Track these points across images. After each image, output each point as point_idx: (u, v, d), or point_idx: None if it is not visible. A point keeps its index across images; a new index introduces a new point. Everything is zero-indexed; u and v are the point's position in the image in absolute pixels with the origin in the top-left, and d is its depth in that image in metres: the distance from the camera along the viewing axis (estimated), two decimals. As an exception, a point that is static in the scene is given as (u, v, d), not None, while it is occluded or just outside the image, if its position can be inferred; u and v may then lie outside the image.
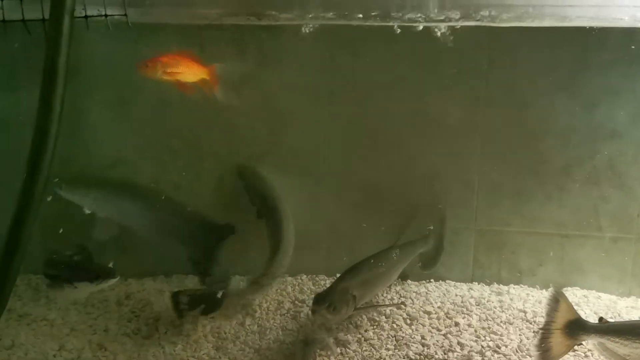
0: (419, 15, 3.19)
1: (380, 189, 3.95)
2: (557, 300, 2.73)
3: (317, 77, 3.79)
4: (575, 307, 3.22)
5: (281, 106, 3.85)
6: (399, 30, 3.16)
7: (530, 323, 3.46)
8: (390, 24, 3.24)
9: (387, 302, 3.73)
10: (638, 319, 3.54)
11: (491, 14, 3.25)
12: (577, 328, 2.72)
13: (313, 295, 3.21)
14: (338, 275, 4.02)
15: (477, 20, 3.25)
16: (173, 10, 3.37)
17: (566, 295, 2.77)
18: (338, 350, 3.18)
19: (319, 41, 3.47)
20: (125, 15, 2.26)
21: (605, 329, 2.73)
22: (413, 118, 3.82)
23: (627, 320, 3.49)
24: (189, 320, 3.42)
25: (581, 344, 3.06)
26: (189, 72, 3.27)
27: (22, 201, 1.98)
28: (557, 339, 2.72)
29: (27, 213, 1.99)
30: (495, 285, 3.98)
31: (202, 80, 3.31)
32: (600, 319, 2.80)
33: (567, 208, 3.85)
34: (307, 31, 3.15)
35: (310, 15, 2.91)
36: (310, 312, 3.10)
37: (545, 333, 2.73)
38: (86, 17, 2.18)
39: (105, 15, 2.23)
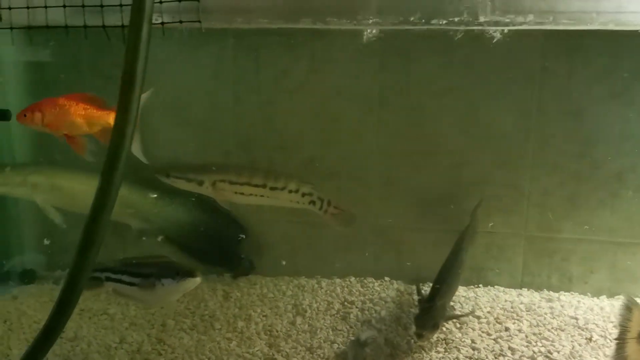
0: (471, 19, 3.21)
1: (429, 194, 3.99)
2: (630, 309, 2.67)
3: (369, 82, 3.86)
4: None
5: (333, 111, 3.93)
6: (458, 36, 3.19)
7: (582, 330, 3.43)
8: (440, 28, 3.28)
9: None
10: None
11: (545, 18, 3.26)
12: None
13: (415, 318, 3.24)
14: (386, 278, 4.13)
15: (532, 24, 3.25)
16: (229, 15, 3.47)
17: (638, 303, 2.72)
18: (388, 351, 3.22)
19: (370, 47, 3.54)
20: (199, 21, 2.36)
21: None
22: (464, 124, 3.85)
23: None
24: (242, 318, 3.53)
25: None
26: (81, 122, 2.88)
27: (98, 199, 2.09)
28: (633, 348, 2.68)
29: (103, 210, 2.10)
30: (545, 291, 3.96)
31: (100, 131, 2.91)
32: None
33: (619, 215, 3.81)
34: (365, 37, 3.21)
35: (367, 21, 2.96)
36: (415, 335, 3.18)
37: (620, 343, 2.68)
38: (162, 23, 2.29)
39: (180, 22, 2.33)
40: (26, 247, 4.21)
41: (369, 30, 3.14)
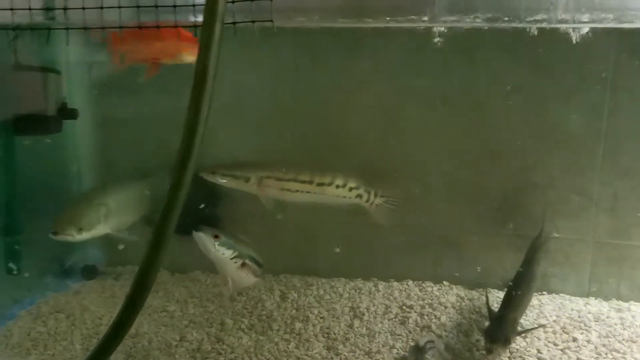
0: (543, 17, 3.09)
1: (492, 197, 3.87)
2: None
3: (431, 81, 3.78)
4: None
5: (394, 110, 3.86)
6: (534, 33, 3.08)
7: (656, 342, 3.27)
8: (509, 25, 3.17)
9: None
10: None
11: (617, 15, 3.11)
12: None
13: (485, 331, 3.07)
14: (445, 283, 4.03)
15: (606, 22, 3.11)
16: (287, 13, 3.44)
17: None
18: (449, 357, 3.14)
19: (431, 45, 3.46)
20: (272, 21, 2.34)
21: None
22: (531, 125, 3.72)
23: None
24: (299, 319, 3.51)
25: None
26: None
27: (170, 196, 2.09)
28: None
29: (174, 208, 2.10)
30: (615, 301, 3.79)
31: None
32: None
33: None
34: (435, 36, 3.14)
35: (436, 19, 2.89)
36: (486, 351, 3.02)
37: None
38: (234, 23, 2.28)
39: (254, 22, 2.31)
40: (88, 244, 4.30)
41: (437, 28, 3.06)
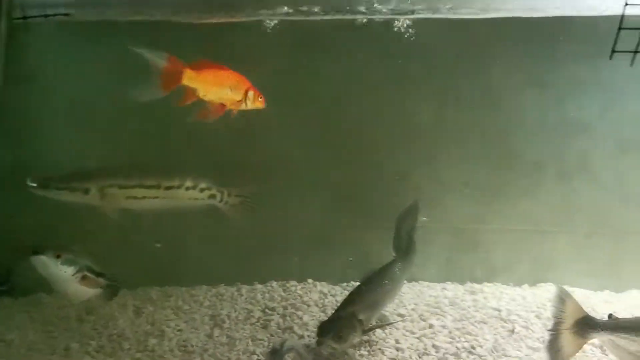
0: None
1: (352, 191, 3.85)
2: (563, 300, 2.64)
3: (285, 77, 3.69)
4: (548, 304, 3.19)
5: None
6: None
7: (505, 322, 3.39)
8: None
9: None
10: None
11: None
12: (586, 326, 2.62)
13: (318, 326, 2.98)
14: (309, 280, 3.98)
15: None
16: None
17: (570, 294, 2.67)
18: (310, 358, 3.07)
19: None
20: (67, 14, 2.10)
21: (614, 325, 2.62)
22: (386, 117, 3.74)
23: (637, 316, 3.42)
24: (154, 335, 3.30)
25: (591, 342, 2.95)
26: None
27: None
28: (567, 339, 2.63)
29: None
30: (469, 284, 3.92)
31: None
32: (610, 315, 2.69)
33: (540, 204, 3.79)
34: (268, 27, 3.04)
35: (267, 12, 2.79)
36: (316, 343, 2.91)
37: (554, 334, 2.64)
38: (24, 17, 2.03)
39: (46, 16, 2.07)
40: None
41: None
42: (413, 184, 3.84)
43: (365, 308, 3.04)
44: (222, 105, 2.93)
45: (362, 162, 3.84)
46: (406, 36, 3.50)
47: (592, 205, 3.74)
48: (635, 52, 2.00)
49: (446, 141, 3.77)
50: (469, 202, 3.85)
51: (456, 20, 3.52)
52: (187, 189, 3.35)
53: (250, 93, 2.93)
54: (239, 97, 2.94)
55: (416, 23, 3.39)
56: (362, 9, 2.85)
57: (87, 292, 3.06)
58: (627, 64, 2.52)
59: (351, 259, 3.87)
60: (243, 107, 2.99)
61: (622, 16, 1.92)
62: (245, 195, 3.49)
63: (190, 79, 2.82)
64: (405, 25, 3.34)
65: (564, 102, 3.63)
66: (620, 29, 1.93)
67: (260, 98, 3.01)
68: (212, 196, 3.40)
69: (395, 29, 3.39)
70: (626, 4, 1.91)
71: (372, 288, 3.19)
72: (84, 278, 3.00)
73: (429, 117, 3.74)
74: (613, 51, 1.98)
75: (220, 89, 2.90)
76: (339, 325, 2.89)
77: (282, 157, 3.77)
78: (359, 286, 3.25)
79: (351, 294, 3.19)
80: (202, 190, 3.38)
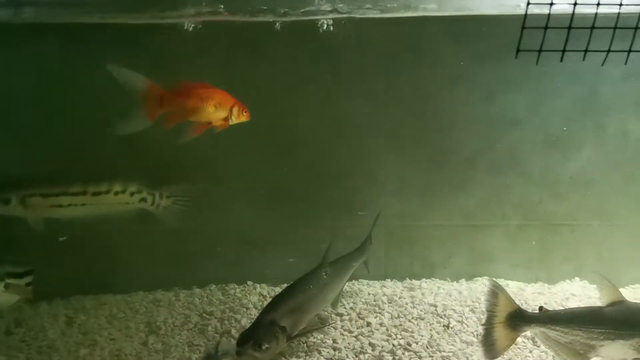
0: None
1: (291, 191, 3.85)
2: (496, 294, 2.69)
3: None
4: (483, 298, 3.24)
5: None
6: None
7: (441, 317, 3.44)
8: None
9: None
10: (580, 306, 3.51)
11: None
12: (518, 319, 2.68)
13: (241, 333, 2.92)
14: (249, 283, 3.95)
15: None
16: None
17: (503, 287, 2.72)
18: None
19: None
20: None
21: (545, 318, 2.69)
22: (322, 117, 3.75)
23: (567, 308, 3.50)
24: (85, 345, 3.21)
25: (524, 334, 3.02)
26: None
27: None
28: (501, 332, 2.68)
29: None
30: (408, 280, 3.96)
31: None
32: (540, 308, 2.77)
33: (473, 199, 3.86)
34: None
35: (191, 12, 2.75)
36: (236, 354, 2.81)
37: (488, 328, 2.68)
38: None
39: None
40: None
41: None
42: (351, 183, 3.86)
43: (288, 314, 2.96)
44: (207, 123, 2.93)
45: (298, 163, 3.83)
46: (340, 36, 3.52)
47: (522, 199, 3.82)
48: (540, 50, 2.05)
49: (380, 140, 3.79)
50: (404, 199, 3.89)
51: (388, 19, 3.54)
52: (116, 193, 3.27)
53: (235, 109, 2.96)
54: (224, 114, 2.95)
55: (348, 22, 3.40)
56: (285, 10, 2.84)
57: (12, 299, 2.98)
58: (553, 61, 2.60)
59: (292, 259, 3.85)
60: (230, 122, 3.00)
61: (525, 15, 1.97)
62: (177, 195, 3.44)
63: (170, 103, 2.82)
64: (328, 24, 3.35)
65: (493, 99, 3.70)
66: (523, 27, 1.97)
67: (245, 112, 3.01)
68: (143, 199, 3.34)
69: (326, 27, 3.39)
70: (528, 3, 1.95)
71: (294, 294, 3.11)
72: (6, 287, 2.92)
73: (363, 116, 3.76)
74: (518, 50, 2.03)
75: (204, 109, 2.90)
76: (259, 333, 2.80)
77: (216, 159, 3.73)
78: (281, 292, 3.21)
79: (272, 301, 3.13)
80: (132, 194, 3.31)
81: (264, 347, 2.75)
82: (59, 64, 3.53)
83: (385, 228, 3.90)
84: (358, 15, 3.25)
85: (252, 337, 2.78)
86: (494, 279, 3.85)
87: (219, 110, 2.96)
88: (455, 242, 3.93)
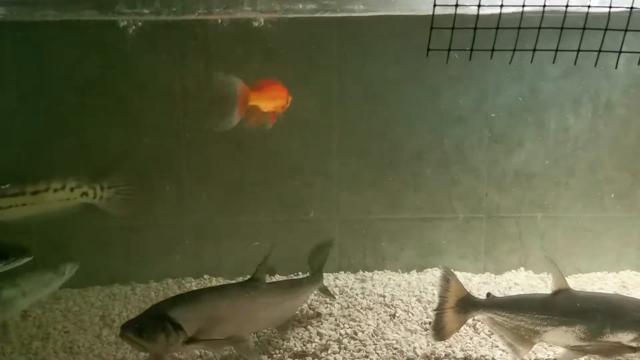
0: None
1: (241, 185, 3.93)
2: (447, 280, 2.84)
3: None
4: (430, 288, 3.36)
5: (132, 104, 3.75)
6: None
7: (388, 307, 3.55)
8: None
9: None
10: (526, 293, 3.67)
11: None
12: (467, 304, 2.83)
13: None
14: (205, 276, 4.04)
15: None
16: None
17: (455, 274, 2.87)
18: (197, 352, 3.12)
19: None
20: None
21: (492, 304, 2.85)
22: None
23: (513, 295, 3.65)
24: (39, 337, 3.27)
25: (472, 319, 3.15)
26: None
27: None
28: (450, 317, 2.84)
29: None
30: (361, 272, 4.07)
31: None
32: (488, 294, 2.92)
33: (421, 192, 3.98)
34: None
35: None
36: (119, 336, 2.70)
37: (439, 313, 2.84)
38: None
39: None
40: None
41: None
42: (304, 178, 3.96)
43: (190, 314, 2.77)
44: (274, 112, 3.37)
45: (253, 158, 3.92)
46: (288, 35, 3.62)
47: (469, 192, 3.96)
48: (449, 50, 2.16)
49: (332, 136, 3.90)
50: (357, 194, 4.00)
51: (331, 18, 3.65)
52: (56, 190, 3.25)
53: (290, 98, 3.40)
54: (284, 103, 3.38)
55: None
56: (219, 9, 2.93)
57: None
58: (499, 60, 2.72)
59: (256, 243, 3.91)
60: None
61: (433, 16, 2.08)
62: (118, 185, 3.43)
63: (255, 99, 3.20)
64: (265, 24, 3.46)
65: (440, 96, 3.83)
66: (432, 28, 2.08)
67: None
68: (84, 194, 3.33)
69: (270, 25, 3.49)
70: (435, 5, 2.06)
71: (204, 297, 2.95)
72: None
73: (315, 113, 3.86)
74: (428, 49, 2.14)
75: (275, 102, 3.33)
76: (144, 322, 2.69)
77: (169, 153, 3.82)
78: (187, 292, 3.18)
79: (173, 297, 2.99)
80: (72, 189, 3.29)
81: (144, 335, 2.62)
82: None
83: (339, 222, 4.02)
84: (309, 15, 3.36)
85: (137, 323, 2.69)
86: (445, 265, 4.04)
87: (283, 101, 3.39)
88: (406, 235, 4.05)
